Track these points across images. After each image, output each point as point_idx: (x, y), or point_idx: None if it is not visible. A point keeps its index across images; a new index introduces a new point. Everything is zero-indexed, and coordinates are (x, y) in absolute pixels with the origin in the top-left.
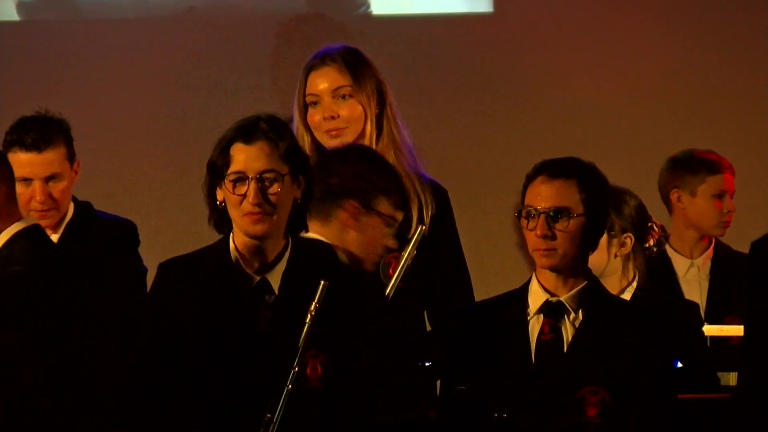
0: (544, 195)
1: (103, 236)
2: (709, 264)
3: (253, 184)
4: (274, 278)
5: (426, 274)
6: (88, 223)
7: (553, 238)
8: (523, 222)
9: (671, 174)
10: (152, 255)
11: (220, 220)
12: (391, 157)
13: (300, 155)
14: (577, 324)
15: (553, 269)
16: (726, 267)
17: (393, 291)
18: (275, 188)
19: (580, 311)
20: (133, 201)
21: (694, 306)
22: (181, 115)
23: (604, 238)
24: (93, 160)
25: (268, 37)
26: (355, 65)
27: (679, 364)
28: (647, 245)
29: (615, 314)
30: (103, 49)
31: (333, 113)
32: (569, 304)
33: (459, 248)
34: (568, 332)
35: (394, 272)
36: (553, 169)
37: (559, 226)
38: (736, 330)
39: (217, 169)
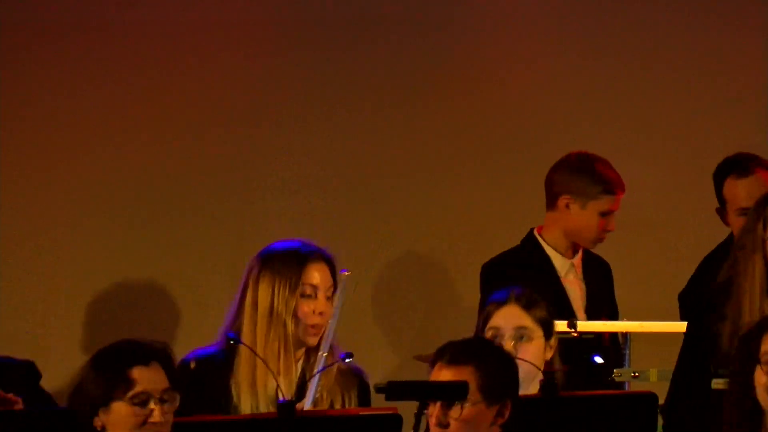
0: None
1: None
2: (581, 265)
3: None
4: None
5: None
6: None
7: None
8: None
9: (568, 178)
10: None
11: None
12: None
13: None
14: None
15: None
16: (595, 270)
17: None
18: None
19: None
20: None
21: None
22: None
23: (542, 345)
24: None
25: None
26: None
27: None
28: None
29: None
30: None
31: (323, 309)
32: None
33: None
34: None
35: None
36: (450, 354)
37: (453, 413)
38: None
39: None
